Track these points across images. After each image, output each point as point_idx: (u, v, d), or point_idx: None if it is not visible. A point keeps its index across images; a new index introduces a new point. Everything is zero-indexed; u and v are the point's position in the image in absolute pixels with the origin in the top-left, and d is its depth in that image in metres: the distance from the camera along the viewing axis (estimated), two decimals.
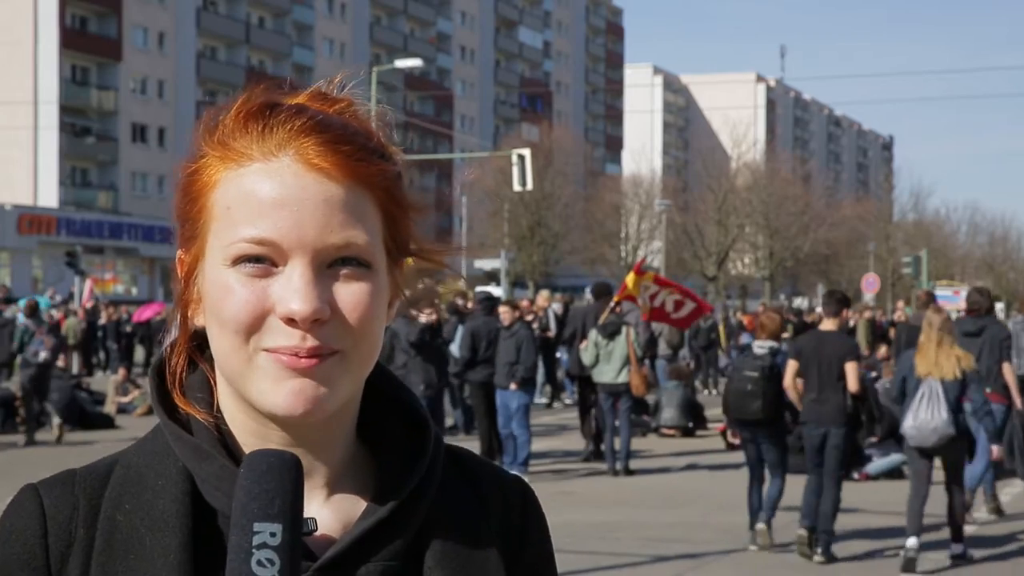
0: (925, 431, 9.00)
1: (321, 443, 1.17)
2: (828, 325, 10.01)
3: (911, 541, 9.15)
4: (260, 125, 1.13)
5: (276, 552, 1.03)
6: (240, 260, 1.11)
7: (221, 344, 1.13)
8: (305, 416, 1.11)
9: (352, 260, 1.12)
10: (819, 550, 9.47)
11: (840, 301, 9.93)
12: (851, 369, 9.43)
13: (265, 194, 1.11)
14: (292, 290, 1.09)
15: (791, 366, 9.65)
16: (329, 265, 1.12)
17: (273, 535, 1.03)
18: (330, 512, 1.16)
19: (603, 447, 14.48)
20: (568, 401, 22.27)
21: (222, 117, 1.17)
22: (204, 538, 1.13)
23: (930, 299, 15.12)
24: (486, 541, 1.21)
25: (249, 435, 1.17)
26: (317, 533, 1.11)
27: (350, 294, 1.12)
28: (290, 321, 1.10)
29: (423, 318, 14.41)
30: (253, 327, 1.11)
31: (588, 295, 18.64)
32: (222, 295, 1.12)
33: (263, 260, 1.11)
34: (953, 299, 31.33)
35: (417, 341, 14.15)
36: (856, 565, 9.39)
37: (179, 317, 1.21)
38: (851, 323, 30.66)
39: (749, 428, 10.04)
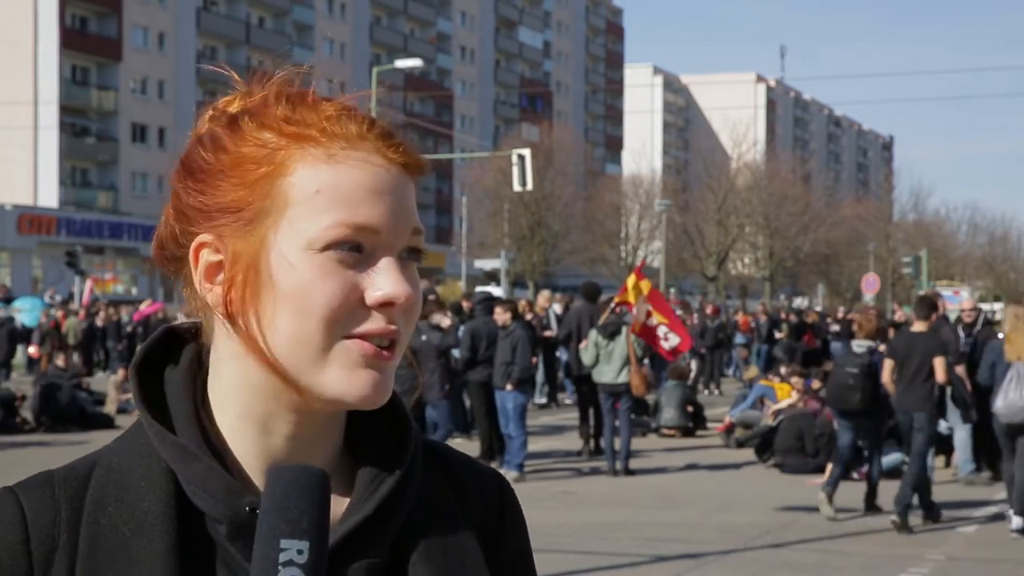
0: (1014, 409, 10.20)
1: (320, 436, 1.17)
2: (919, 327, 11.19)
3: (1016, 521, 10.24)
4: (330, 111, 1.13)
5: (303, 570, 1.01)
6: (332, 245, 1.09)
7: (296, 333, 1.09)
8: (376, 405, 1.13)
9: (415, 251, 1.15)
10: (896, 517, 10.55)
11: (930, 306, 11.36)
12: (939, 363, 10.72)
13: (361, 181, 1.10)
14: (388, 277, 1.10)
15: (887, 364, 11.05)
16: (399, 255, 1.13)
17: (300, 552, 1.02)
18: None
19: (602, 443, 14.50)
20: (568, 401, 22.28)
21: (270, 101, 1.14)
22: (190, 541, 1.11)
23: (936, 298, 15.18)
24: (466, 534, 1.21)
25: (250, 422, 1.15)
26: None
27: (415, 284, 1.14)
28: (383, 307, 1.10)
29: (445, 322, 14.47)
30: (343, 313, 1.09)
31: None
32: (310, 281, 1.09)
33: (352, 247, 1.10)
34: (953, 299, 31.25)
35: (443, 346, 14.20)
36: (856, 565, 9.38)
37: (226, 308, 1.13)
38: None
39: (849, 417, 11.41)
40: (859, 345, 11.46)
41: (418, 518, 1.19)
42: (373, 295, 1.10)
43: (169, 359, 1.21)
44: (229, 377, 1.16)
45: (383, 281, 1.10)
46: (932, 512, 10.86)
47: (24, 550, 1.09)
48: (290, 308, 1.09)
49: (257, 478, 1.15)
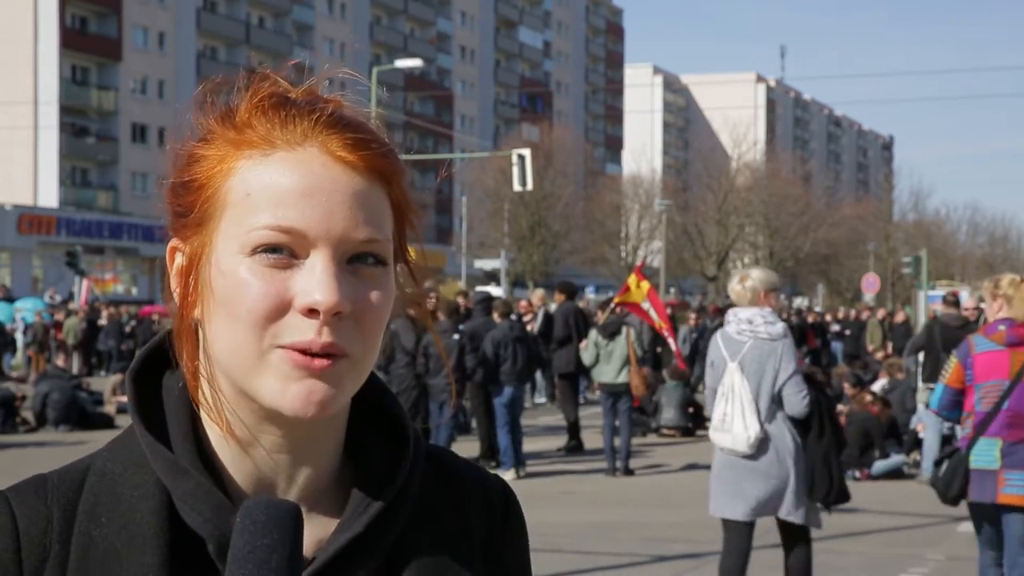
0: None
1: (310, 448, 1.13)
2: None
3: None
4: (282, 114, 1.10)
5: None
6: (260, 249, 1.06)
7: (231, 339, 1.07)
8: (313, 417, 1.07)
9: (370, 257, 1.09)
10: None
11: None
12: None
13: (292, 183, 1.06)
14: (315, 281, 1.05)
15: None
16: (348, 261, 1.08)
17: None
18: (309, 527, 1.09)
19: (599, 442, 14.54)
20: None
21: (234, 104, 1.13)
22: (183, 554, 1.08)
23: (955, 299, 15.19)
24: (463, 548, 1.19)
25: (236, 437, 1.12)
26: None
27: (368, 293, 1.08)
28: (310, 313, 1.05)
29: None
30: (270, 320, 1.05)
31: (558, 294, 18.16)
32: (237, 286, 1.06)
33: (282, 250, 1.06)
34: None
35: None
36: (856, 565, 9.37)
37: (181, 313, 1.12)
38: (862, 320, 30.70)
39: None
40: None
41: (415, 533, 1.16)
42: (299, 300, 1.05)
43: (170, 363, 1.18)
44: (209, 382, 1.13)
45: (309, 286, 1.05)
46: None
47: (15, 559, 1.07)
48: (224, 313, 1.07)
49: (250, 492, 1.12)
